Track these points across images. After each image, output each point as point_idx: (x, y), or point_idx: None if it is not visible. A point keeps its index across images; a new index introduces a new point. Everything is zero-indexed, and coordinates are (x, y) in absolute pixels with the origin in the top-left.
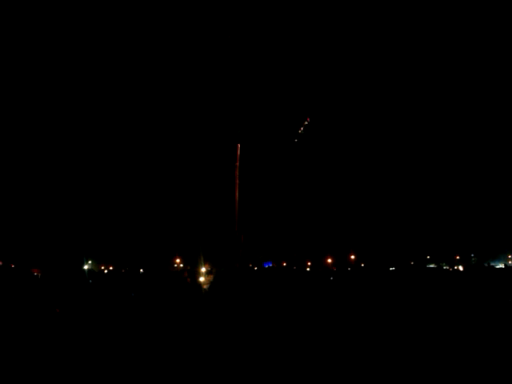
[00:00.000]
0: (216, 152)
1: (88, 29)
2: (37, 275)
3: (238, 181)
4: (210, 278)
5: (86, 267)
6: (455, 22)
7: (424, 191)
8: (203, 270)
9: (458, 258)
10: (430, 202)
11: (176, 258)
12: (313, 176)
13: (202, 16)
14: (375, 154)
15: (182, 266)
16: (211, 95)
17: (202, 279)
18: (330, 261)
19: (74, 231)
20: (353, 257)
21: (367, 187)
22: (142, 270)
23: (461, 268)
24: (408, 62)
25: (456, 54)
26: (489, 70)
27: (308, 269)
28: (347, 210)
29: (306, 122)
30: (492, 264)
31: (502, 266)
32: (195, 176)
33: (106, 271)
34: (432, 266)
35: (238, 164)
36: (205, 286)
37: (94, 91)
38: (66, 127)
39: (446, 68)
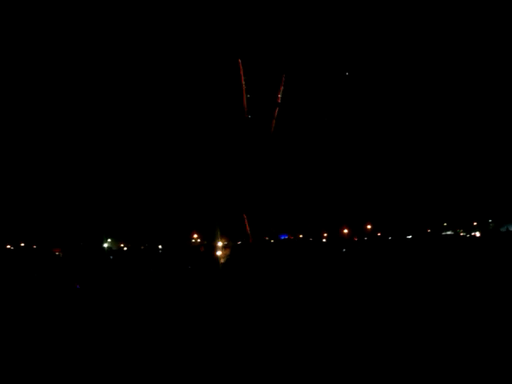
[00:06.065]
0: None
1: (91, 28)
2: (58, 255)
3: None
4: (227, 251)
5: (105, 245)
6: (454, 21)
7: (439, 157)
8: (220, 244)
9: (475, 224)
10: (445, 167)
11: (194, 234)
12: (327, 145)
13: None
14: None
15: (199, 241)
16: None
17: (219, 253)
18: (346, 231)
19: (92, 210)
20: (369, 226)
21: (382, 155)
22: (160, 247)
23: (478, 234)
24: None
25: (455, 53)
26: (489, 70)
27: (324, 240)
28: (363, 178)
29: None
30: (510, 229)
31: None
32: (210, 153)
33: (125, 248)
34: (449, 232)
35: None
36: (222, 260)
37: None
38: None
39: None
